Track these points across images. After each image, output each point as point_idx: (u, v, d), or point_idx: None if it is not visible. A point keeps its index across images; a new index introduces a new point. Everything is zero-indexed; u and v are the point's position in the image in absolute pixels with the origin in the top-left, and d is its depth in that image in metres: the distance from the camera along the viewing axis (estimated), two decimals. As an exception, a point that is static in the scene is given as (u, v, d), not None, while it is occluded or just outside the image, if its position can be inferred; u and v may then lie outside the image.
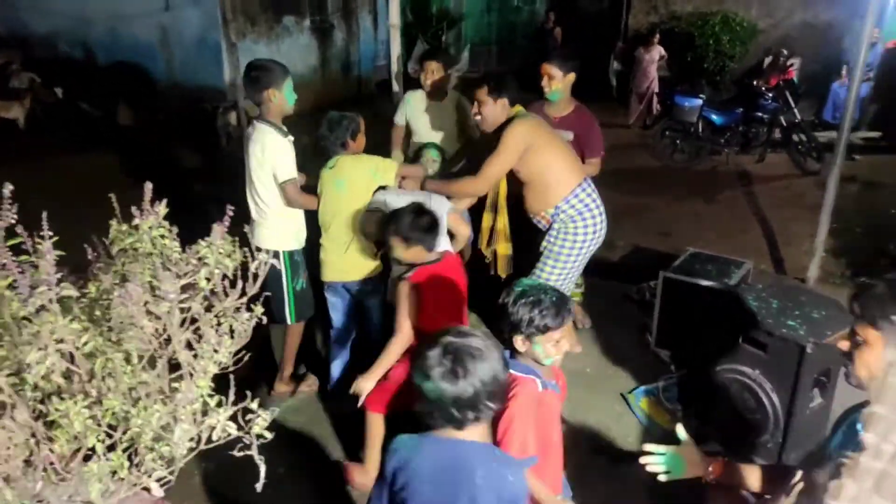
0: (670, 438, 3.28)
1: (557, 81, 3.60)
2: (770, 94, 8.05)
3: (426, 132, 4.02)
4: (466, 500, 1.45)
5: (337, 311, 3.36)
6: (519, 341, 1.94)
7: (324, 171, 3.22)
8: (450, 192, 3.33)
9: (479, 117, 3.29)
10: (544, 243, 3.36)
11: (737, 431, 3.18)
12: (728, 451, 3.18)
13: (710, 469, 2.00)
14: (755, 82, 8.41)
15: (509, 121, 3.23)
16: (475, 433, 1.53)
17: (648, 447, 1.97)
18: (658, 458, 1.98)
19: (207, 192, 3.82)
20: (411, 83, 11.72)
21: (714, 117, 8.03)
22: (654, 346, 3.99)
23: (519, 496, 1.55)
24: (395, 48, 5.20)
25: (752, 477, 1.95)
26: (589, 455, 2.50)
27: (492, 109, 3.25)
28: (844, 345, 1.64)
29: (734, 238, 5.65)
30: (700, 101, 8.03)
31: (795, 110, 7.94)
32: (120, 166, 6.65)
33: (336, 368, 3.41)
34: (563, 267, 3.33)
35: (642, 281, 4.55)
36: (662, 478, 1.98)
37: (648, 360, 3.97)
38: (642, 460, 1.97)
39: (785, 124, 7.87)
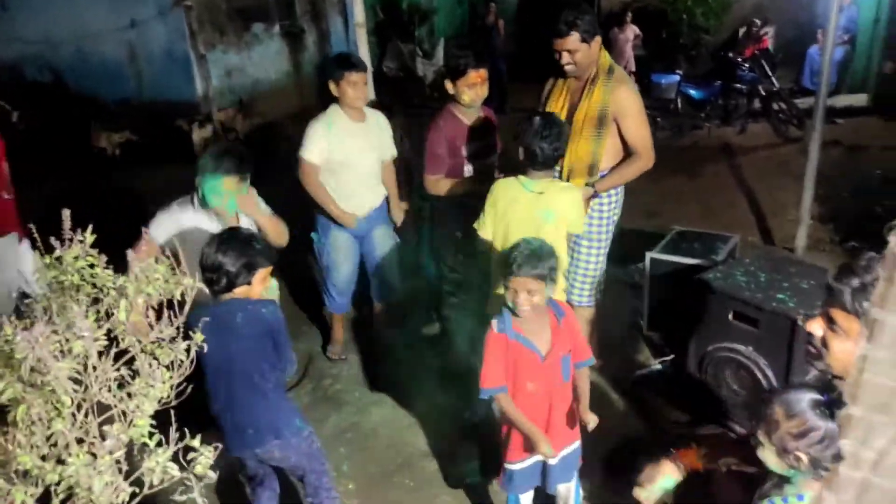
0: (665, 421, 3.26)
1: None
2: (746, 65, 7.99)
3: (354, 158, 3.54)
4: (234, 337, 2.14)
5: None
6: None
7: (518, 191, 2.71)
8: (630, 178, 3.18)
9: (569, 66, 3.02)
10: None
11: (734, 411, 3.12)
12: (727, 431, 3.14)
13: (682, 460, 1.98)
14: (731, 54, 8.35)
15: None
16: (238, 293, 2.20)
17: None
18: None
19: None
20: (387, 82, 11.56)
21: (692, 92, 7.97)
22: (646, 330, 3.94)
23: (276, 324, 2.22)
24: (363, 48, 5.11)
25: (738, 452, 1.90)
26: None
27: (587, 54, 2.99)
28: (818, 328, 1.54)
29: (720, 212, 5.59)
30: (677, 78, 7.97)
31: (773, 79, 7.89)
32: (94, 191, 6.53)
33: None
34: (598, 245, 3.29)
35: (631, 264, 4.49)
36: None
37: (642, 344, 3.91)
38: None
39: (764, 93, 7.82)
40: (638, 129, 3.09)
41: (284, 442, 2.32)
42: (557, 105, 3.19)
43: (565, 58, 3.01)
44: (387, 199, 3.77)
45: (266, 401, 2.26)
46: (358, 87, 3.39)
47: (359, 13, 4.99)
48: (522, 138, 2.67)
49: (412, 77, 11.37)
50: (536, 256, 2.17)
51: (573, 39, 2.96)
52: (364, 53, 4.96)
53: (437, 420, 3.47)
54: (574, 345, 2.32)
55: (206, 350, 1.92)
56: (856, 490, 0.71)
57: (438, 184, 3.33)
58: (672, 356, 3.65)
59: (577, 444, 2.44)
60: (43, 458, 0.88)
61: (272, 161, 5.59)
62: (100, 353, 0.95)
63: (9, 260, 3.09)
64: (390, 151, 3.71)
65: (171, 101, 8.90)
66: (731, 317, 3.03)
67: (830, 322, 1.49)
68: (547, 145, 2.63)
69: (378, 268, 3.79)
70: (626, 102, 3.04)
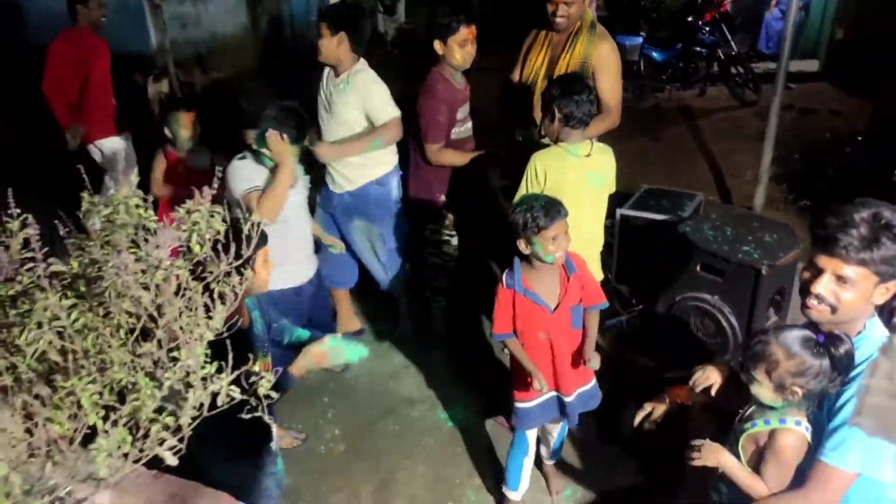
0: (637, 371, 3.46)
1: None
2: (707, 29, 8.15)
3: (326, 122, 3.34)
4: None
5: None
6: (522, 245, 2.30)
7: (564, 159, 2.71)
8: (597, 133, 3.08)
9: (561, 20, 3.06)
10: None
11: (700, 356, 3.33)
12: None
13: (675, 395, 2.15)
14: (691, 17, 8.49)
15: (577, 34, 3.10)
16: None
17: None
18: None
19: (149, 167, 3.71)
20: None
21: (655, 55, 8.10)
22: (614, 283, 4.11)
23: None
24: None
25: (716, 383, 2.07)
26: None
27: (580, 8, 3.06)
28: (805, 275, 1.70)
29: (683, 172, 5.80)
30: (640, 40, 8.08)
31: (732, 43, 8.08)
32: (50, 147, 6.30)
33: None
34: None
35: (599, 220, 4.64)
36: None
37: (610, 296, 4.09)
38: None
39: (723, 57, 8.01)
40: (613, 84, 3.18)
41: None
42: (538, 59, 3.25)
43: (561, 9, 3.05)
44: None
45: None
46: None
47: (328, -34, 4.89)
48: (556, 103, 2.66)
49: (374, 34, 11.18)
50: (554, 203, 2.28)
51: None
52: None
53: (419, 368, 3.59)
54: (586, 293, 2.43)
55: None
56: None
57: (442, 153, 3.24)
58: (640, 307, 3.85)
59: (593, 382, 2.59)
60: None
61: (233, 117, 5.51)
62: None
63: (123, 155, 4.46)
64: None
65: (124, 54, 8.50)
66: (698, 268, 3.21)
67: (812, 266, 1.65)
68: (582, 104, 2.64)
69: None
70: (607, 57, 3.12)
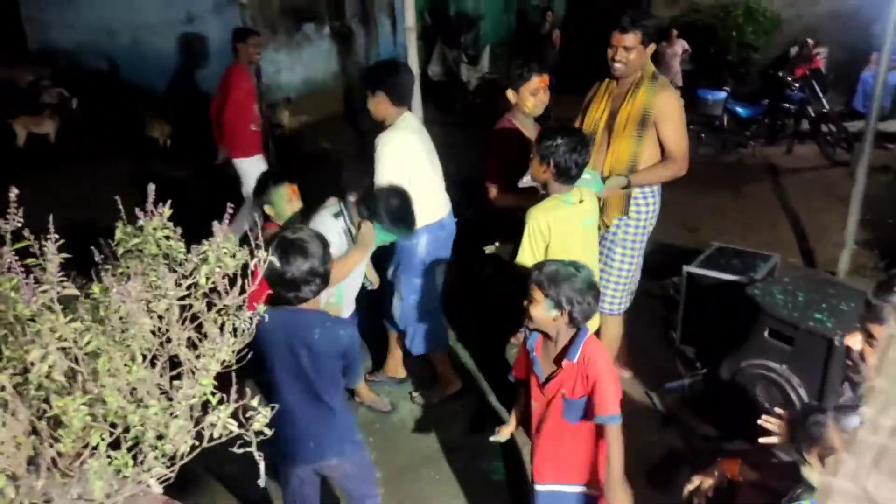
0: (696, 437, 3.26)
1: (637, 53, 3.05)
2: (797, 85, 7.88)
3: None
4: (306, 350, 2.07)
5: None
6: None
7: (562, 209, 2.69)
8: (662, 178, 3.15)
9: (620, 65, 3.04)
10: (608, 236, 3.25)
11: (764, 428, 3.11)
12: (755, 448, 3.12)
13: (725, 469, 2.01)
14: (781, 73, 8.24)
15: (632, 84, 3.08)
16: (309, 306, 2.13)
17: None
18: None
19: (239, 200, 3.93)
20: (431, 87, 11.63)
21: (739, 110, 7.89)
22: (678, 344, 3.93)
23: (351, 347, 2.17)
24: (412, 52, 5.19)
25: (771, 474, 1.92)
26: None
27: (640, 56, 3.04)
28: (856, 342, 1.57)
29: (762, 232, 5.53)
30: (724, 94, 7.90)
31: (823, 100, 7.76)
32: (145, 177, 6.77)
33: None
34: (631, 253, 3.29)
35: (666, 277, 4.48)
36: None
37: (673, 357, 3.91)
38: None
39: (813, 114, 7.70)
40: (676, 132, 3.12)
41: (344, 459, 2.29)
42: (599, 108, 3.23)
43: (620, 54, 3.02)
44: None
45: (332, 415, 2.21)
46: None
47: (409, 17, 5.06)
48: (552, 155, 2.60)
49: (456, 82, 11.48)
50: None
51: (634, 37, 2.99)
52: (413, 58, 5.03)
53: (464, 417, 3.52)
54: (594, 395, 2.13)
55: (275, 351, 2.09)
56: (874, 455, 0.76)
57: (502, 196, 3.24)
58: (704, 370, 3.65)
59: (579, 489, 2.29)
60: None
61: (318, 159, 5.74)
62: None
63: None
64: None
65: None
66: (766, 334, 3.02)
67: (869, 336, 1.52)
68: (579, 158, 2.62)
69: None
70: (669, 106, 3.07)
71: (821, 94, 7.75)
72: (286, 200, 3.01)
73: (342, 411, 2.25)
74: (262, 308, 1.17)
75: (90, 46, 9.81)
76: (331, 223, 2.83)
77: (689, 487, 2.12)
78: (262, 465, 1.05)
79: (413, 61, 4.94)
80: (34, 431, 0.97)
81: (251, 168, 4.95)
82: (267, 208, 2.98)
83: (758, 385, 3.09)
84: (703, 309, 3.72)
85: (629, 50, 3.01)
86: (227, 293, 1.12)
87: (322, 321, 2.15)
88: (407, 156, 3.18)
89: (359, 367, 2.25)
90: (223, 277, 1.12)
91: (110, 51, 9.76)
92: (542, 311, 2.11)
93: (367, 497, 2.46)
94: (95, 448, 1.00)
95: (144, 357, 1.05)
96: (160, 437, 1.01)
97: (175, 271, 1.16)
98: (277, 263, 1.99)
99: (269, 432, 1.09)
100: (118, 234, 1.17)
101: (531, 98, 3.20)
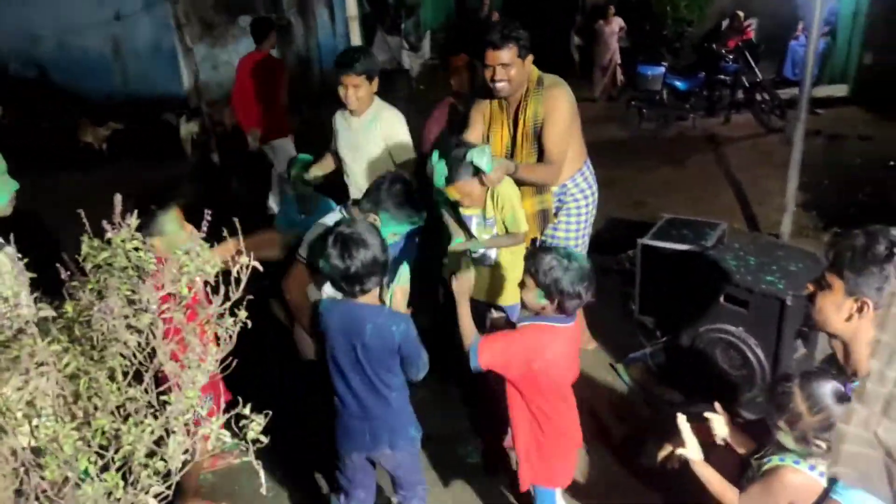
0: (662, 404, 3.37)
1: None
2: (730, 56, 8.13)
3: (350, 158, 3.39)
4: (360, 344, 2.10)
5: None
6: None
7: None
8: (530, 179, 2.91)
9: (502, 85, 2.83)
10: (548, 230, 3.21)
11: (726, 390, 3.24)
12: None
13: (698, 433, 2.09)
14: (714, 45, 8.48)
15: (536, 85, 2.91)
16: (367, 298, 2.13)
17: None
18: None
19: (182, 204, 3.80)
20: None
21: (678, 83, 8.10)
22: (637, 315, 4.04)
23: (405, 342, 2.14)
24: (356, 40, 5.14)
25: (738, 439, 2.01)
26: (584, 427, 2.57)
27: (521, 71, 2.83)
28: (809, 287, 1.66)
29: (707, 201, 5.71)
30: (663, 69, 8.08)
31: (756, 70, 8.03)
32: (89, 184, 6.51)
33: None
34: (575, 244, 3.27)
35: (620, 252, 4.59)
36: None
37: (634, 328, 4.01)
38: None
39: (747, 84, 7.96)
40: (555, 134, 2.89)
41: (397, 451, 2.29)
42: (499, 133, 3.05)
43: (499, 73, 2.80)
44: None
45: (388, 408, 2.21)
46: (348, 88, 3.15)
47: (351, 6, 5.03)
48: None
49: (399, 70, 11.40)
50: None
51: (509, 52, 2.77)
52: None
53: (437, 405, 3.54)
54: None
55: (336, 342, 2.14)
56: (882, 403, 0.81)
57: None
58: (664, 339, 3.76)
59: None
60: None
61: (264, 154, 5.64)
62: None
63: (290, 152, 4.96)
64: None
65: (158, 95, 8.86)
66: (722, 299, 3.14)
67: (821, 282, 1.61)
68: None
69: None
70: (552, 107, 2.89)
71: (753, 65, 8.02)
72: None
73: (399, 405, 2.26)
74: (242, 314, 1.15)
75: (14, 53, 9.35)
76: None
77: (663, 454, 2.20)
78: (261, 473, 1.04)
79: (357, 51, 4.89)
80: (19, 462, 0.93)
81: (288, 147, 5.50)
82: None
83: (717, 348, 3.21)
84: (658, 280, 3.83)
85: (507, 67, 2.79)
86: (209, 302, 1.10)
87: (375, 316, 2.13)
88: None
89: (419, 361, 2.21)
90: (204, 286, 1.10)
91: (37, 56, 9.33)
92: (532, 298, 2.15)
93: (418, 483, 2.49)
94: (85, 473, 0.97)
95: (125, 374, 1.03)
96: (150, 455, 0.99)
97: (145, 282, 1.13)
98: (338, 260, 2.03)
99: (264, 440, 1.08)
100: (85, 249, 1.13)
101: (454, 77, 3.66)
